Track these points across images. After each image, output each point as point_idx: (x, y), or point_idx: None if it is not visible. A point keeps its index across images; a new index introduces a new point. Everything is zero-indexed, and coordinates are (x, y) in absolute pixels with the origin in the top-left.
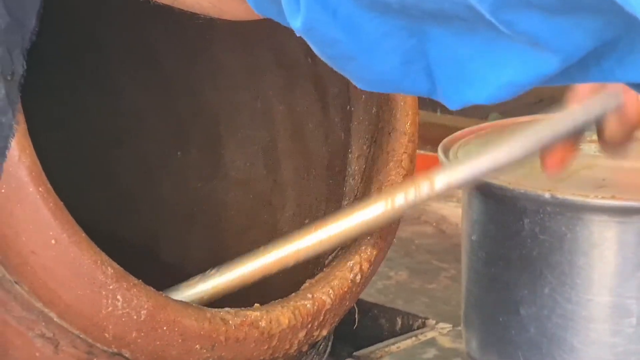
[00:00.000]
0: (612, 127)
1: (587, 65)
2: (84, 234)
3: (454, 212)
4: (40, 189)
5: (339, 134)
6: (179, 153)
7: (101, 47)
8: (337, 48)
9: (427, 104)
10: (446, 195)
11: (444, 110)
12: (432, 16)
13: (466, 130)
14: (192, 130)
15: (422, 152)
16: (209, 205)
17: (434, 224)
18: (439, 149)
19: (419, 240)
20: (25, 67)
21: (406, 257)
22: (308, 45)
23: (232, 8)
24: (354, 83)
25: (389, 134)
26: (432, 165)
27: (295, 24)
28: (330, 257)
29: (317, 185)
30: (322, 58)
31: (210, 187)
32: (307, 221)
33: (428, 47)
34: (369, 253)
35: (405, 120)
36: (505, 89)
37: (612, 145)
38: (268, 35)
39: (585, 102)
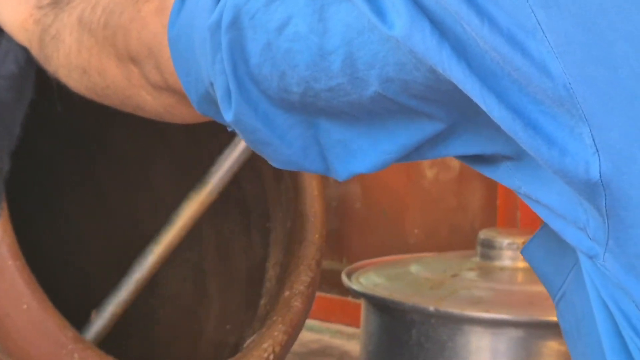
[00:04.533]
0: None
1: (422, 149)
2: (50, 302)
3: (356, 348)
4: (17, 262)
5: (259, 250)
6: (117, 274)
7: (56, 177)
8: (257, 135)
9: (334, 254)
10: (350, 334)
11: (349, 259)
12: (324, 112)
13: (366, 261)
14: (130, 253)
15: (328, 294)
16: (144, 320)
17: (338, 356)
18: (343, 274)
19: None
20: (9, 166)
21: None
22: (235, 175)
23: (182, 112)
24: (270, 163)
25: (300, 243)
26: (336, 305)
27: (228, 116)
28: (248, 342)
29: (238, 294)
30: (247, 143)
31: (146, 304)
32: (228, 327)
33: (319, 136)
34: (280, 338)
35: (315, 232)
36: (381, 156)
37: None
38: (201, 167)
39: None
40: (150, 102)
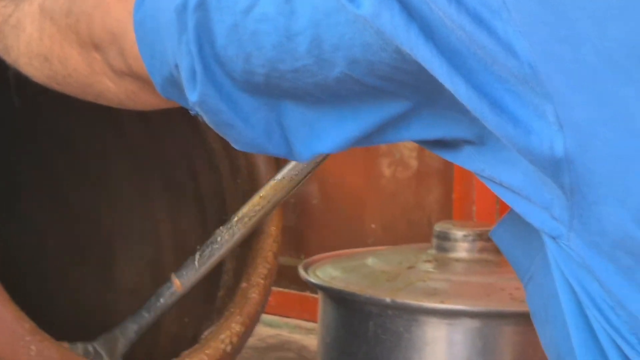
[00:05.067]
0: None
1: (385, 130)
2: (7, 294)
3: (314, 343)
4: None
5: None
6: (76, 270)
7: (14, 174)
8: (221, 116)
9: (292, 251)
10: (308, 329)
11: (308, 256)
12: (288, 94)
13: (323, 254)
14: (89, 249)
15: (286, 290)
16: (101, 315)
17: (296, 351)
18: (300, 267)
19: None
20: None
21: None
22: (192, 170)
23: (144, 99)
24: (233, 145)
25: (257, 235)
26: (294, 300)
27: (193, 97)
28: (205, 333)
29: (196, 287)
30: (210, 125)
31: (103, 298)
32: (186, 320)
33: (282, 118)
34: (237, 330)
35: (271, 224)
36: (344, 135)
37: None
38: (159, 163)
39: None
40: (112, 89)
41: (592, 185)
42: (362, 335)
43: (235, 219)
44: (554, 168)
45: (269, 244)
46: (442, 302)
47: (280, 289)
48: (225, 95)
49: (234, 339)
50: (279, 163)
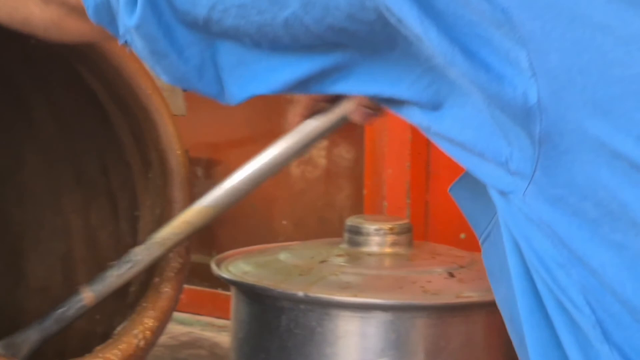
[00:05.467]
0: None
1: (322, 81)
2: None
3: (226, 340)
4: None
5: (128, 238)
6: None
7: None
8: (157, 44)
9: (204, 248)
10: (220, 326)
11: (219, 253)
12: (228, 34)
13: (235, 250)
14: (0, 248)
15: (198, 287)
16: (11, 312)
17: (208, 348)
18: (213, 262)
19: None
20: None
21: None
22: (103, 165)
23: (69, 26)
24: (162, 78)
25: None
26: (206, 298)
27: (131, 21)
28: (119, 328)
29: None
30: (142, 53)
31: (12, 296)
32: (98, 317)
33: (218, 57)
34: (151, 324)
35: None
36: (283, 78)
37: None
38: (70, 157)
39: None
40: (38, 15)
41: (565, 133)
42: (274, 329)
43: (155, 240)
44: (525, 116)
45: None
46: (354, 295)
47: (192, 287)
48: (163, 24)
49: (147, 334)
50: (189, 157)
